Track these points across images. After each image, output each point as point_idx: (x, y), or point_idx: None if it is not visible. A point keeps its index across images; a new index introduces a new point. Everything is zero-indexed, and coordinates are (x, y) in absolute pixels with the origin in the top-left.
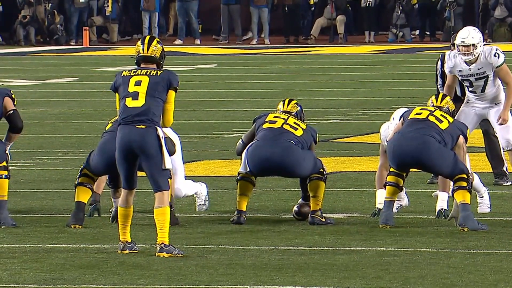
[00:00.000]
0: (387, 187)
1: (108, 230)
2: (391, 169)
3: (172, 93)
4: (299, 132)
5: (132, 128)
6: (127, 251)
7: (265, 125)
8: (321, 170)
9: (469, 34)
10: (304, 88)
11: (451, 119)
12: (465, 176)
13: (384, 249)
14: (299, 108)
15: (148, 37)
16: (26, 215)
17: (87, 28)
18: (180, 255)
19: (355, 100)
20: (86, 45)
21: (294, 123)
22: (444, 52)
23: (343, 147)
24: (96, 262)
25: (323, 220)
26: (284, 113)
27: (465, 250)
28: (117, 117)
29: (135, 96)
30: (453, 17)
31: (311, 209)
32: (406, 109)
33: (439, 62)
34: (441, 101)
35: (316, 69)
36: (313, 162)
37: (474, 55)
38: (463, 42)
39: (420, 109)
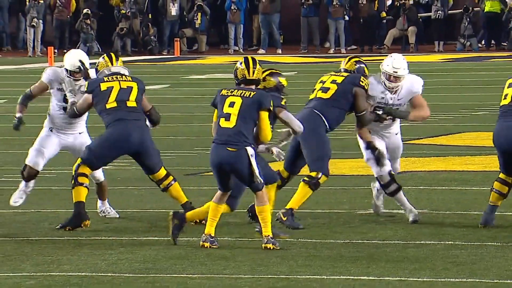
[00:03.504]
0: (492, 192)
1: (196, 225)
2: (500, 176)
3: (264, 114)
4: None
5: (224, 149)
6: (208, 244)
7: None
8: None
9: None
10: None
11: None
12: None
13: (452, 243)
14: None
15: (250, 59)
16: (122, 210)
17: (178, 39)
18: (278, 248)
19: None
20: (177, 54)
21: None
22: None
23: (413, 148)
24: (186, 254)
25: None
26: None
27: None
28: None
29: (227, 117)
30: None
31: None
32: None
33: None
34: None
35: None
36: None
37: None
38: None
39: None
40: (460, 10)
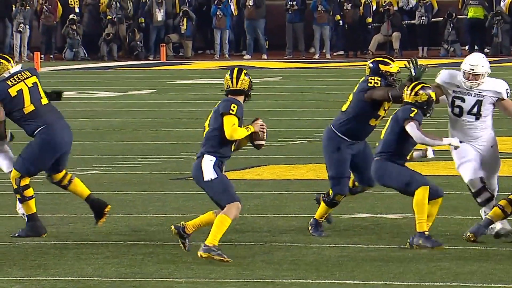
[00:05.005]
0: (495, 207)
1: None
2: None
3: (225, 118)
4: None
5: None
6: (177, 236)
7: None
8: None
9: None
10: None
11: None
12: None
13: None
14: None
15: (236, 70)
16: (108, 215)
17: (164, 44)
18: (223, 259)
19: None
20: (163, 60)
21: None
22: None
23: None
24: (172, 258)
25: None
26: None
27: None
28: None
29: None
30: (500, 34)
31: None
32: None
33: None
34: None
35: None
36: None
37: None
38: None
39: None
40: (443, 17)
